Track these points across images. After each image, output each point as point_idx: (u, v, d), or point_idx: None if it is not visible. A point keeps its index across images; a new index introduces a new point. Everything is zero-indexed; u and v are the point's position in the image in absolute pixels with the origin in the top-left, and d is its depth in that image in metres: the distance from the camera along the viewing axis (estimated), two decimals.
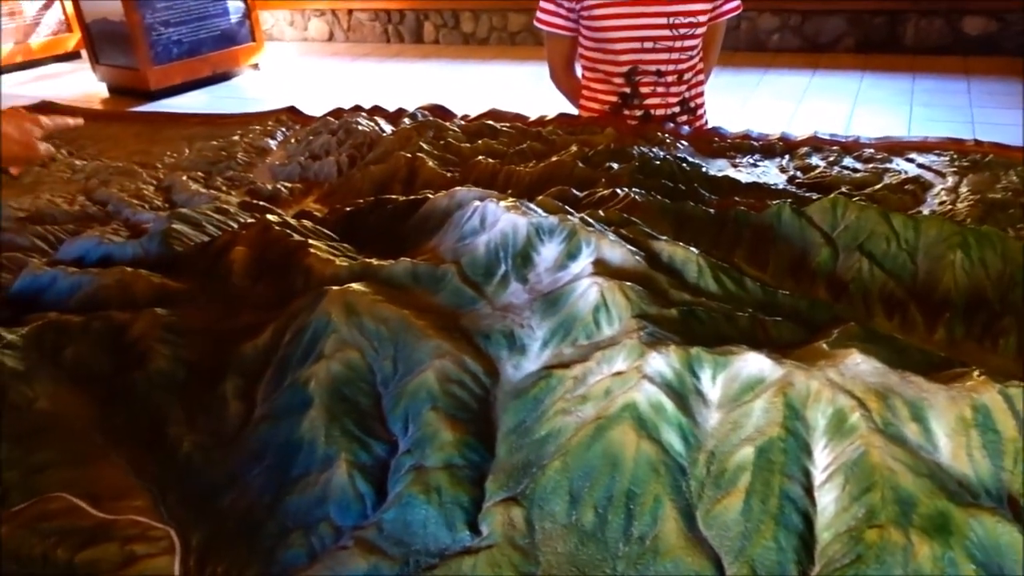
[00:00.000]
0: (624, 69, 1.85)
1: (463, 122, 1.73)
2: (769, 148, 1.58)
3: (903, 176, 1.38)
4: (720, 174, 1.33)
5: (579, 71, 2.05)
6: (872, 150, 1.54)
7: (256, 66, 6.68)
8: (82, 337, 0.90)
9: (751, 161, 1.51)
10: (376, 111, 2.00)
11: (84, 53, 6.54)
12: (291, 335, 0.81)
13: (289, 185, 1.56)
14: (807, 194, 1.30)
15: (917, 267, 0.96)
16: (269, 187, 1.55)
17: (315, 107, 2.21)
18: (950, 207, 1.26)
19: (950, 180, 1.39)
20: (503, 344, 0.77)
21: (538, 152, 1.58)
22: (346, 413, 0.71)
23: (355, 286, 0.83)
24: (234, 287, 0.94)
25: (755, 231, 1.00)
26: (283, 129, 2.04)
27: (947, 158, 1.50)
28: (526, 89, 5.77)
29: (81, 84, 6.39)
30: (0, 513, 0.69)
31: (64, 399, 0.84)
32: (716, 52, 1.99)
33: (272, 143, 1.94)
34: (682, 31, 1.78)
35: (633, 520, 0.59)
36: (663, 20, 1.77)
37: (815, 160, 1.50)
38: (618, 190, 1.07)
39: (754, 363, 0.65)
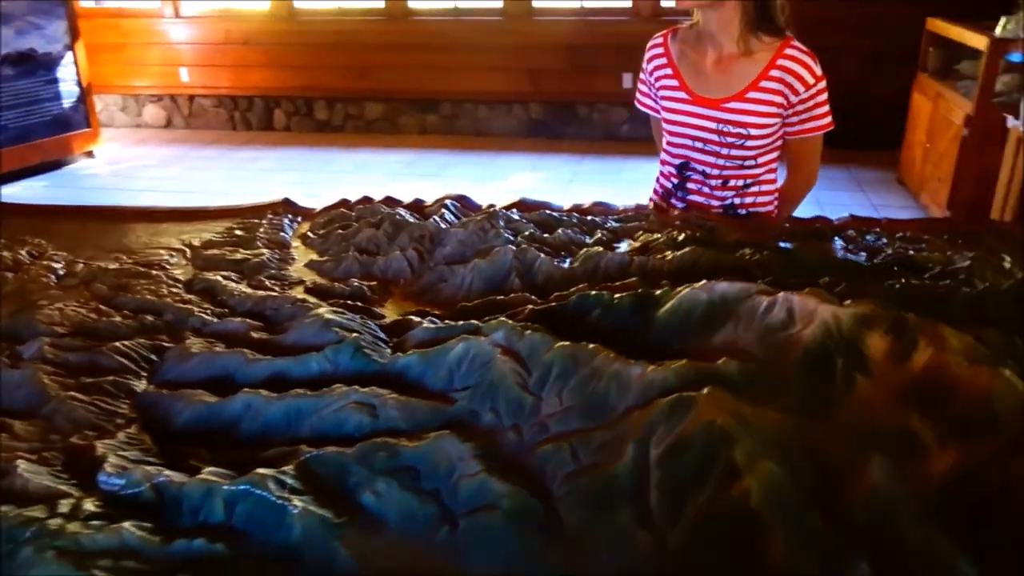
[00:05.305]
0: (677, 162, 1.90)
1: (519, 212, 1.69)
2: (817, 232, 1.67)
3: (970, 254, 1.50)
4: (842, 258, 1.39)
5: None
6: (908, 231, 1.68)
7: (91, 153, 6.15)
8: (370, 471, 0.76)
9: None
10: (391, 202, 1.90)
11: None
12: (665, 450, 0.73)
13: (367, 284, 1.43)
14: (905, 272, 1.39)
15: None
16: (344, 286, 1.42)
17: (166, 197, 2.06)
18: None
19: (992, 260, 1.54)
20: (895, 442, 0.75)
21: (611, 242, 1.57)
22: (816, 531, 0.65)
23: (714, 390, 0.77)
24: (521, 402, 0.84)
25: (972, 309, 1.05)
26: (286, 221, 1.88)
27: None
28: (395, 175, 5.76)
29: None
30: None
31: (396, 546, 0.70)
32: (805, 169, 1.93)
33: (286, 236, 1.79)
34: (730, 140, 1.80)
35: None
36: (713, 124, 1.80)
37: (871, 240, 1.61)
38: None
39: None
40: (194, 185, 5.59)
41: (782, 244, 1.39)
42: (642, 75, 1.99)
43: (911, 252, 1.52)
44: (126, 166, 6.11)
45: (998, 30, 4.05)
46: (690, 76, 1.84)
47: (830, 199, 5.25)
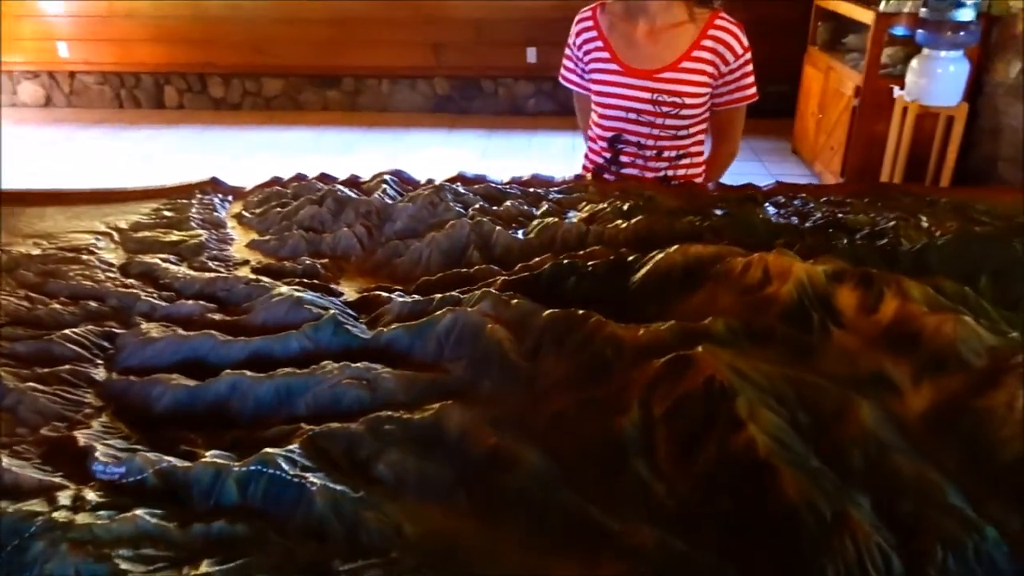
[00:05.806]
0: (608, 135, 1.92)
1: (463, 186, 1.68)
2: (751, 198, 1.74)
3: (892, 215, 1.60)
4: (781, 221, 1.46)
5: None
6: (831, 195, 1.78)
7: None
8: (380, 443, 0.76)
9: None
10: (326, 178, 1.86)
11: None
12: (672, 405, 0.76)
13: (319, 261, 1.40)
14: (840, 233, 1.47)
15: None
16: (295, 265, 1.39)
17: (55, 181, 1.98)
18: None
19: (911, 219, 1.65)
20: (874, 386, 0.80)
21: (558, 213, 1.59)
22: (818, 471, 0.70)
23: (709, 347, 0.80)
24: (517, 369, 0.85)
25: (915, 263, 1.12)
26: (217, 200, 1.82)
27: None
28: (301, 153, 5.62)
29: None
30: None
31: (418, 513, 0.71)
32: (730, 138, 2.02)
33: (220, 216, 1.73)
34: (664, 109, 1.83)
35: None
36: (647, 95, 1.82)
37: (799, 204, 1.69)
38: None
39: None
40: (85, 168, 5.29)
41: (725, 211, 1.45)
42: (568, 51, 1.99)
43: (840, 215, 1.61)
44: (4, 149, 5.70)
45: (883, 5, 4.28)
46: (621, 48, 1.86)
47: (730, 169, 5.46)
